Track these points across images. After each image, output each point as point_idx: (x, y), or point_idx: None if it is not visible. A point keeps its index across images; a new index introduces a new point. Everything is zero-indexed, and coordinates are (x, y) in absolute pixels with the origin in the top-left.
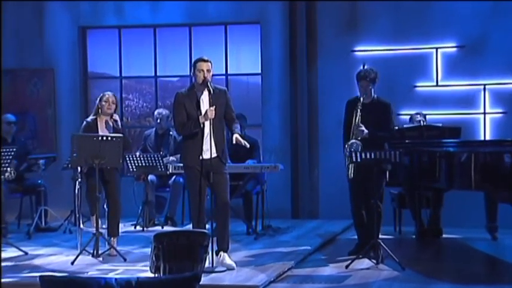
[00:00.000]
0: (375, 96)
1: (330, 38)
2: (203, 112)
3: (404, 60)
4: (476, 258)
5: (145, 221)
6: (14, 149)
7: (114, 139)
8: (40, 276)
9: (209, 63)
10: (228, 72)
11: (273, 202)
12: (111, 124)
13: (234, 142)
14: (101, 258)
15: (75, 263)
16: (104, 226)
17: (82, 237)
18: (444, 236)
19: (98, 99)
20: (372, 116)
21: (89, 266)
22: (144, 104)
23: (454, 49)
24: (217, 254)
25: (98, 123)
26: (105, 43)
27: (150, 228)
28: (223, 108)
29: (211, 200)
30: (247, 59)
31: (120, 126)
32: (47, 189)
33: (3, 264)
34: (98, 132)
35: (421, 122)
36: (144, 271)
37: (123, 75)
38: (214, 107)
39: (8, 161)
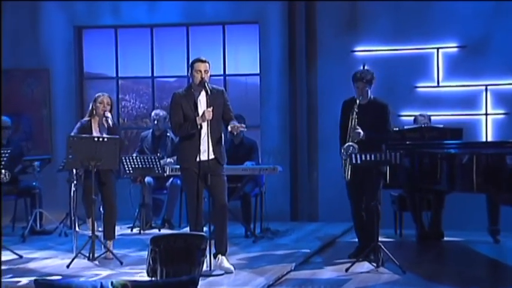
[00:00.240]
0: (372, 97)
1: (330, 38)
2: (200, 113)
3: (405, 61)
4: (478, 262)
5: (142, 224)
6: (8, 151)
7: (110, 140)
8: (35, 280)
9: (207, 64)
10: (226, 73)
11: (271, 204)
12: (105, 125)
13: (229, 130)
14: (97, 262)
15: (71, 266)
16: (100, 229)
17: (78, 240)
18: (445, 239)
19: (93, 100)
20: (369, 116)
21: (85, 270)
22: (141, 105)
23: (456, 49)
24: (215, 257)
25: (93, 124)
26: (101, 43)
27: (146, 231)
28: (221, 108)
29: (208, 202)
30: (245, 60)
31: (111, 123)
32: (42, 192)
33: None
34: (92, 134)
35: (423, 124)
36: (141, 275)
37: (119, 75)
38: (211, 108)
39: (3, 163)
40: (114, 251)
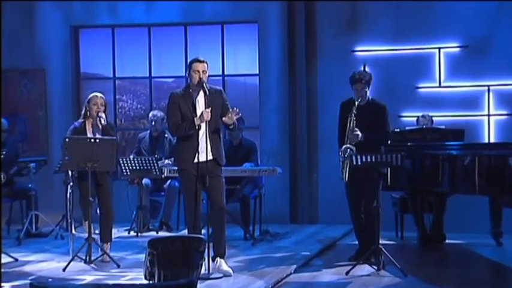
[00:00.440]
0: (370, 98)
1: (330, 38)
2: (198, 114)
3: (406, 61)
4: (480, 265)
5: (140, 226)
6: (4, 152)
7: (107, 141)
8: (30, 283)
9: (205, 64)
10: (225, 73)
11: (271, 206)
12: (99, 126)
13: (226, 121)
14: (93, 265)
15: (67, 269)
16: (96, 231)
17: (74, 243)
18: (447, 241)
19: (86, 101)
20: (367, 118)
21: (81, 273)
22: (139, 106)
23: (457, 49)
24: (213, 260)
25: (87, 126)
26: (98, 43)
27: (144, 234)
28: (220, 109)
29: (207, 204)
30: (244, 60)
31: (104, 123)
32: (37, 194)
33: None
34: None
35: (424, 125)
36: (138, 278)
37: (116, 76)
38: (210, 108)
39: None
40: (111, 254)
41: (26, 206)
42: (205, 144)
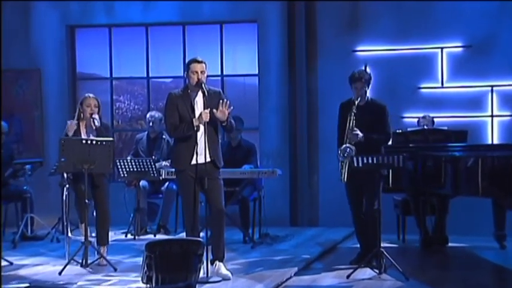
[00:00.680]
0: (370, 98)
1: (330, 38)
2: (197, 115)
3: (408, 61)
4: (484, 268)
5: (137, 229)
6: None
7: (104, 143)
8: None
9: (203, 65)
10: (224, 73)
11: (270, 209)
12: (93, 127)
13: (218, 115)
14: (90, 268)
15: (63, 273)
16: (93, 234)
17: (70, 246)
18: (450, 244)
19: (79, 103)
20: (367, 118)
21: (78, 277)
22: (136, 107)
23: (460, 49)
24: (212, 264)
25: (81, 128)
26: (94, 42)
27: (141, 237)
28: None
29: (205, 206)
30: (243, 60)
31: (98, 124)
32: (33, 196)
33: None
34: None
35: (425, 126)
36: (136, 281)
37: (113, 76)
38: (209, 109)
39: None
40: (108, 257)
41: (22, 209)
42: (203, 146)
